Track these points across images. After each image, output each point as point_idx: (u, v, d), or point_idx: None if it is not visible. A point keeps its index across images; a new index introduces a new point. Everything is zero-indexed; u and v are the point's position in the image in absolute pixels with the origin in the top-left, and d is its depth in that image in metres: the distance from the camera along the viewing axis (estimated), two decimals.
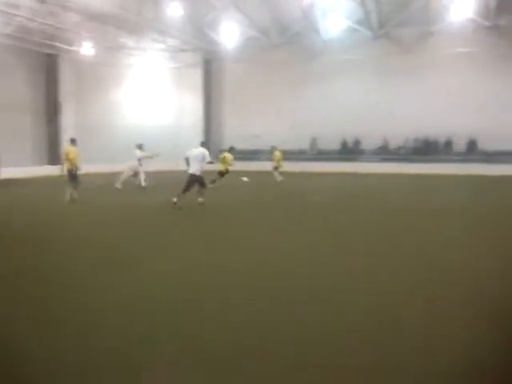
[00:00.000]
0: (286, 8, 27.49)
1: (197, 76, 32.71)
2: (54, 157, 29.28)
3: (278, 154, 20.35)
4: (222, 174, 17.82)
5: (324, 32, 28.32)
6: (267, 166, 22.33)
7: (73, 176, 13.42)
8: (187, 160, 11.98)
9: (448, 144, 26.59)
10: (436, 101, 25.84)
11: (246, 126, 30.09)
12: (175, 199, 11.76)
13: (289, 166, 22.42)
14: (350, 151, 28.59)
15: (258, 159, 28.75)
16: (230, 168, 18.19)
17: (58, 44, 27.39)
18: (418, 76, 26.53)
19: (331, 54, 28.50)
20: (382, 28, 27.45)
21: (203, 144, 12.70)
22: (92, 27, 26.53)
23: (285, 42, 29.28)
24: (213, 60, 32.89)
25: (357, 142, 28.49)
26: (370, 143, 27.64)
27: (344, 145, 28.79)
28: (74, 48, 28.53)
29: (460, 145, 26.26)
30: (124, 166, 18.11)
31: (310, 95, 29.00)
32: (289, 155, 23.97)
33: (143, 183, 17.43)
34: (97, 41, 27.98)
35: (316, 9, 26.80)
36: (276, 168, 20.35)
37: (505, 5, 23.75)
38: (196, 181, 11.95)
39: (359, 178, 22.92)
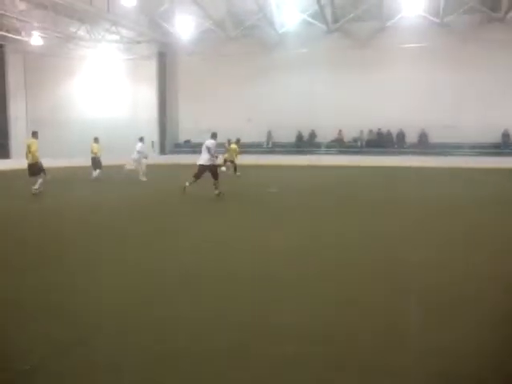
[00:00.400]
0: (242, 1, 27.38)
1: (152, 68, 32.10)
2: (1, 151, 28.22)
3: (233, 147, 20.24)
4: (225, 161, 19.08)
5: (279, 25, 28.46)
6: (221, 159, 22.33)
7: (38, 169, 13.27)
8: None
9: (401, 136, 27.36)
10: (389, 94, 26.41)
11: (202, 119, 29.90)
12: (188, 183, 12.44)
13: (245, 159, 22.52)
14: (305, 144, 28.94)
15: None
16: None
17: (4, 33, 26.29)
18: (372, 70, 27.07)
19: (286, 47, 28.66)
20: (336, 22, 27.84)
21: (213, 136, 12.87)
22: (41, 16, 25.51)
23: (240, 35, 29.16)
24: (168, 52, 32.40)
25: (312, 135, 28.85)
26: (325, 136, 28.08)
27: (299, 137, 29.10)
28: (22, 38, 27.46)
29: (412, 137, 27.09)
30: (127, 160, 18.87)
31: (265, 88, 29.02)
32: (245, 148, 24.04)
33: (142, 177, 17.85)
34: (46, 30, 26.95)
35: (271, 2, 26.81)
36: (231, 162, 19.92)
37: (452, 4, 24.62)
38: (206, 170, 12.31)
39: (314, 170, 23.24)
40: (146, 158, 18.42)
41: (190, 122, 31.06)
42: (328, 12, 27.23)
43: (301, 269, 5.71)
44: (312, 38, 28.00)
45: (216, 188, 12.52)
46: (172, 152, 32.42)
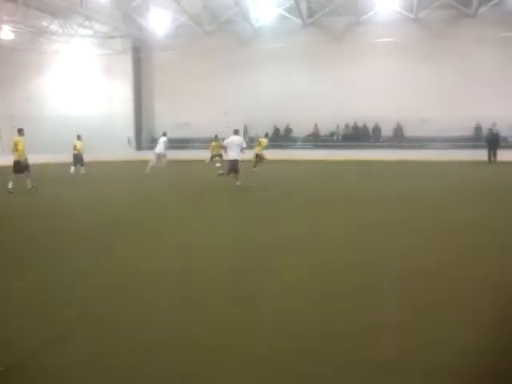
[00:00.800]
0: None
1: (127, 63, 31.67)
2: None
3: (214, 143, 20.42)
4: (257, 156, 19.38)
5: (255, 20, 28.44)
6: (200, 154, 22.43)
7: (23, 166, 13.22)
8: (226, 148, 13.51)
9: (376, 130, 27.65)
10: (364, 88, 26.59)
11: (178, 114, 29.75)
12: (221, 171, 14.15)
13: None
14: (281, 138, 28.97)
15: (191, 147, 28.64)
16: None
17: None
18: (347, 64, 27.19)
19: (262, 41, 28.67)
20: (311, 16, 27.94)
21: (236, 132, 13.89)
22: (11, 9, 24.87)
23: (216, 30, 29.05)
24: (143, 47, 32.03)
25: (288, 130, 28.93)
26: (301, 130, 28.18)
27: (276, 132, 29.12)
28: None
29: (388, 131, 27.39)
30: (152, 153, 19.75)
31: (241, 83, 28.95)
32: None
33: (147, 170, 18.60)
34: (17, 24, 26.28)
35: None
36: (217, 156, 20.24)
37: (425, 0, 25.07)
38: (234, 164, 13.27)
39: (291, 164, 23.31)
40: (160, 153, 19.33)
41: (167, 117, 30.81)
42: (303, 6, 27.34)
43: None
44: (287, 33, 28.07)
45: (237, 180, 13.50)
46: (149, 148, 32.03)
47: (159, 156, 19.32)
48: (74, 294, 4.50)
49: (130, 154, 30.15)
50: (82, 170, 18.60)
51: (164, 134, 20.00)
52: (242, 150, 13.45)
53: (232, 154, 13.22)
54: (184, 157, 26.87)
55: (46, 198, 12.39)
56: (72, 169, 18.44)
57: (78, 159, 18.60)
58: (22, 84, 31.86)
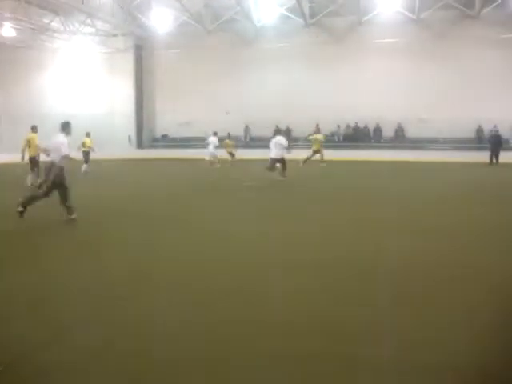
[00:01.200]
0: None
1: (128, 62, 31.61)
2: None
3: (227, 141, 21.59)
4: (315, 152, 20.58)
5: (257, 19, 28.40)
6: (201, 153, 22.58)
7: (35, 163, 13.55)
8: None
9: (378, 131, 27.63)
10: (366, 89, 26.55)
11: (179, 113, 29.73)
12: (282, 177, 14.61)
13: (222, 153, 22.53)
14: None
15: (192, 147, 28.60)
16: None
17: None
18: (349, 64, 27.16)
19: (264, 41, 28.66)
20: (313, 16, 27.89)
21: (278, 132, 15.69)
22: (13, 6, 24.82)
23: (217, 29, 29.00)
24: (144, 45, 32.02)
25: (288, 129, 28.88)
26: (302, 130, 28.08)
27: (277, 132, 28.99)
28: None
29: (389, 131, 27.36)
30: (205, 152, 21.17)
31: (243, 82, 28.94)
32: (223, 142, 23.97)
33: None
34: (19, 21, 26.19)
35: None
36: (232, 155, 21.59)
37: (427, 1, 25.06)
38: (277, 162, 14.54)
39: (290, 164, 23.20)
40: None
41: (168, 116, 30.81)
42: (305, 6, 27.28)
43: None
44: (289, 33, 28.06)
45: (283, 175, 14.68)
46: (149, 147, 32.10)
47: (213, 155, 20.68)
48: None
49: (131, 152, 30.13)
50: (86, 167, 18.50)
51: (214, 134, 21.05)
52: (285, 148, 14.48)
53: (274, 153, 14.37)
54: (185, 156, 26.90)
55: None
56: (84, 167, 18.36)
57: (88, 157, 18.79)
58: (23, 81, 31.81)
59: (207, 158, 21.12)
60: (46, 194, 8.08)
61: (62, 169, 8.05)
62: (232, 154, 22.18)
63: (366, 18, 26.98)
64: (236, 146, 23.43)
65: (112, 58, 31.54)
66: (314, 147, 20.54)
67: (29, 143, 13.65)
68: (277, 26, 28.08)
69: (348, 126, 28.07)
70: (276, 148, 14.36)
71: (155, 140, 32.50)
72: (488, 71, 24.83)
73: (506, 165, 21.09)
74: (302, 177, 16.86)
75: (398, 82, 26.17)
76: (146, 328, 3.72)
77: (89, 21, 27.23)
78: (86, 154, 18.70)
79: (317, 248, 6.35)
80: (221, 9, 28.26)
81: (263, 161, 23.18)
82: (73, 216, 8.17)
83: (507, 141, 24.49)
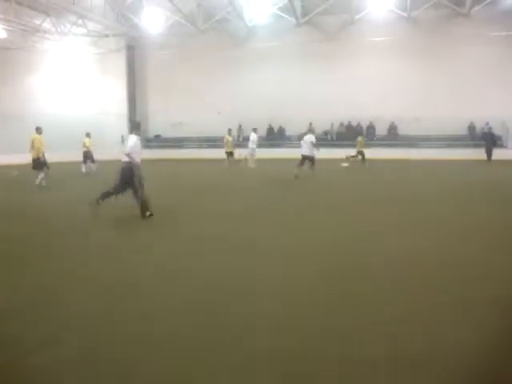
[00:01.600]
0: None
1: (121, 62, 31.53)
2: None
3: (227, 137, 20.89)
4: (360, 152, 21.31)
5: (249, 19, 28.39)
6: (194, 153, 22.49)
7: (40, 163, 13.77)
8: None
9: (371, 129, 27.68)
10: (358, 87, 26.62)
11: (172, 113, 29.68)
12: (295, 171, 15.32)
13: (216, 153, 22.48)
14: (276, 137, 28.95)
15: (185, 147, 28.56)
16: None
17: None
18: (341, 63, 27.24)
19: (256, 40, 28.67)
20: (305, 15, 27.91)
21: (309, 130, 16.95)
22: (3, 7, 24.64)
23: (210, 29, 28.94)
24: (137, 46, 31.91)
25: (281, 129, 28.95)
26: (295, 129, 28.11)
27: (270, 131, 29.13)
28: None
29: (382, 130, 27.43)
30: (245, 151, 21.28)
31: (235, 82, 28.92)
32: (215, 142, 23.95)
33: (252, 165, 20.20)
34: (9, 22, 25.99)
35: None
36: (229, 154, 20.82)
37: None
38: (306, 159, 15.47)
39: (284, 163, 23.20)
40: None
41: (160, 117, 30.75)
42: (297, 5, 27.30)
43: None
44: (281, 32, 28.09)
45: (311, 172, 15.52)
46: (142, 147, 31.86)
47: (253, 151, 20.70)
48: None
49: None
50: (93, 167, 19.02)
51: (254, 130, 20.97)
52: (314, 146, 15.38)
53: (304, 150, 15.46)
54: (178, 156, 26.85)
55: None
56: (83, 167, 18.86)
57: (87, 157, 18.99)
58: (13, 83, 31.57)
59: (243, 156, 21.21)
60: (141, 190, 8.29)
61: (139, 167, 8.36)
62: (231, 154, 20.86)
63: (357, 16, 27.04)
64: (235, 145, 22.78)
65: (104, 59, 31.43)
66: (359, 148, 21.34)
67: (32, 144, 13.77)
68: (269, 25, 28.12)
69: (341, 125, 28.13)
70: (306, 146, 15.40)
71: (148, 140, 32.38)
72: (479, 68, 24.99)
73: (499, 161, 21.27)
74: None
75: (390, 79, 26.28)
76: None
77: (80, 22, 27.10)
78: (86, 153, 19.01)
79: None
80: (213, 9, 28.18)
81: (257, 160, 23.19)
82: (147, 214, 8.36)
83: (500, 138, 24.65)
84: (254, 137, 20.84)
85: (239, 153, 21.24)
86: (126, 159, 8.31)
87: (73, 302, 4.19)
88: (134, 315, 3.87)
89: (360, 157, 21.38)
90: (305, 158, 15.53)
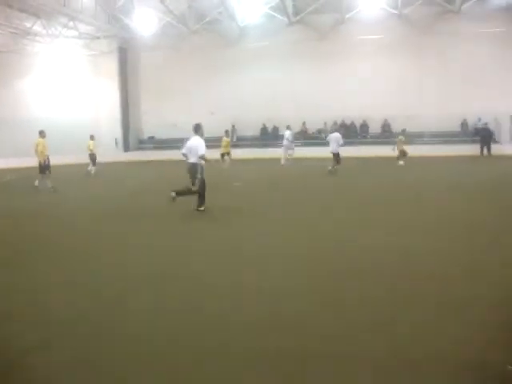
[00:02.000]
0: None
1: (113, 64, 31.33)
2: None
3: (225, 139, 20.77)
4: (403, 152, 20.93)
5: (240, 19, 28.36)
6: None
7: (44, 167, 13.90)
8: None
9: (364, 127, 27.74)
10: (351, 85, 26.59)
11: (165, 115, 29.61)
12: (330, 167, 16.55)
13: (209, 154, 22.33)
14: (270, 137, 28.93)
15: (179, 148, 28.37)
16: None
17: None
18: (334, 61, 27.25)
19: (248, 40, 28.64)
20: (297, 14, 27.92)
21: (336, 130, 18.35)
22: None
23: (201, 29, 28.88)
24: (129, 47, 31.78)
25: (275, 128, 28.92)
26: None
27: (264, 131, 29.11)
28: None
29: (375, 128, 27.50)
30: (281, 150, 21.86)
31: (228, 82, 28.87)
32: (209, 143, 23.79)
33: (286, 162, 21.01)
34: None
35: None
36: (225, 154, 20.49)
37: None
38: (333, 155, 16.75)
39: (278, 162, 23.26)
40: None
41: (154, 118, 30.66)
42: (289, 4, 27.31)
43: None
44: (273, 31, 28.07)
45: (333, 167, 16.62)
46: (136, 149, 31.91)
47: (287, 149, 21.25)
48: None
49: (118, 155, 29.94)
50: (93, 170, 19.48)
51: (288, 128, 21.49)
52: (340, 144, 16.56)
53: (332, 148, 16.63)
54: (171, 157, 26.71)
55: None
56: (92, 169, 19.42)
57: (93, 158, 19.48)
58: (4, 86, 31.32)
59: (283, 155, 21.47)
60: (202, 190, 9.36)
61: (203, 167, 9.33)
62: (227, 154, 20.40)
63: (349, 14, 27.06)
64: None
65: (96, 61, 31.26)
66: (400, 147, 20.83)
67: (36, 147, 13.92)
68: (261, 24, 28.11)
69: (335, 123, 28.07)
70: (333, 143, 16.50)
71: (142, 142, 32.31)
72: (470, 65, 25.06)
73: (498, 157, 21.53)
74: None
75: (383, 77, 26.36)
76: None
77: (71, 24, 26.96)
78: (92, 155, 19.50)
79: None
80: (204, 9, 28.13)
81: (250, 160, 23.22)
82: (201, 208, 9.41)
83: (493, 133, 24.79)
84: (288, 134, 21.36)
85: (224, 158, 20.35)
86: (192, 160, 9.25)
87: None
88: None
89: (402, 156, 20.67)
90: (334, 154, 16.60)
